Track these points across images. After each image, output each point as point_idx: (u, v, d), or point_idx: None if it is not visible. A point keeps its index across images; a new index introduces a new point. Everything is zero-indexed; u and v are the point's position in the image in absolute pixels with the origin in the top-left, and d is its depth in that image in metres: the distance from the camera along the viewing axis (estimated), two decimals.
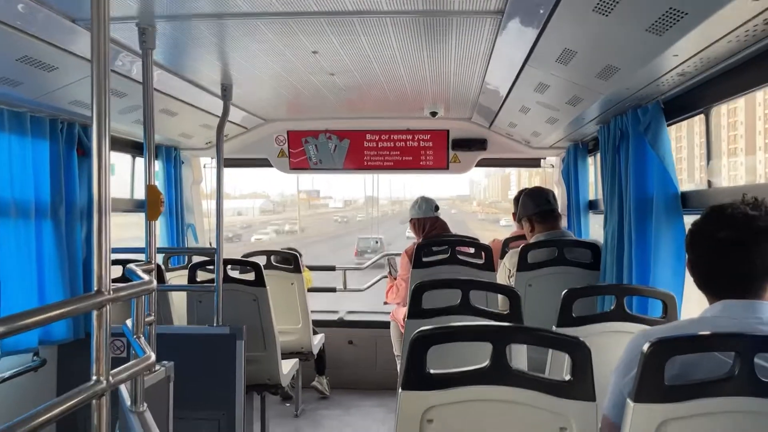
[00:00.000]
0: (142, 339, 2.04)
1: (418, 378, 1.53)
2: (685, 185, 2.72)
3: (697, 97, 2.48)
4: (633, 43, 2.04)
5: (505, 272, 3.53)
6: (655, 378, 1.45)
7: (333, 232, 58.96)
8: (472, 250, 3.80)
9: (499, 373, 1.51)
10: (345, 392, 5.27)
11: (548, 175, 5.25)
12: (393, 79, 3.51)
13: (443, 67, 3.21)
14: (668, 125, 2.72)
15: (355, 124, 4.94)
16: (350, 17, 2.38)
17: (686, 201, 2.64)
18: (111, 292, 1.42)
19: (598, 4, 1.85)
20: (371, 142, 4.99)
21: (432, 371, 1.53)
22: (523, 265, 3.32)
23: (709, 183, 2.66)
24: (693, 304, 2.35)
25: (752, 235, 1.53)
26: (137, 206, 4.23)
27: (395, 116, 4.81)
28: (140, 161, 4.47)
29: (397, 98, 4.08)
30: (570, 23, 2.11)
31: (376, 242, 32.43)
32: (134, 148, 4.25)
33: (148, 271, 2.22)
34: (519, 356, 2.43)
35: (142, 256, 2.57)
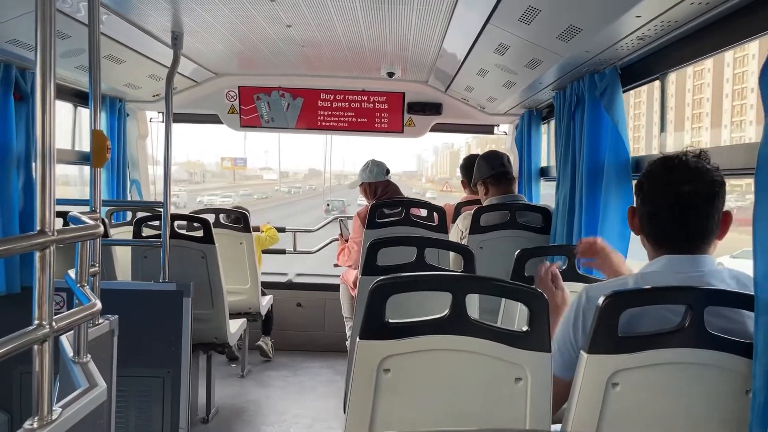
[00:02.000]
0: (87, 288, 1.95)
1: (376, 327, 1.51)
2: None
3: (653, 62, 2.52)
4: (598, 1, 2.03)
5: (457, 234, 3.55)
6: (609, 330, 1.48)
7: None
8: (424, 213, 3.80)
9: (457, 322, 1.51)
10: (293, 354, 5.26)
11: (501, 145, 5.28)
12: (352, 35, 3.42)
13: (404, 24, 3.15)
14: (624, 91, 2.75)
15: (309, 82, 4.82)
16: None
17: (637, 166, 2.69)
18: (55, 234, 1.34)
19: None
20: (326, 101, 4.89)
21: (390, 320, 1.51)
22: (475, 228, 3.35)
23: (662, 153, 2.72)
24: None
25: (714, 190, 1.54)
26: (80, 158, 4.03)
27: (351, 76, 4.72)
28: (81, 112, 4.26)
29: (354, 56, 3.99)
30: None
31: (327, 205, 36.26)
32: (76, 97, 4.04)
33: (93, 219, 2.12)
34: (471, 314, 2.46)
35: (85, 210, 2.45)
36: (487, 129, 5.21)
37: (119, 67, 3.76)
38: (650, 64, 2.54)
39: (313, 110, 4.89)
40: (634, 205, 1.70)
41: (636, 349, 1.48)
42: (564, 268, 2.38)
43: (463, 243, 3.42)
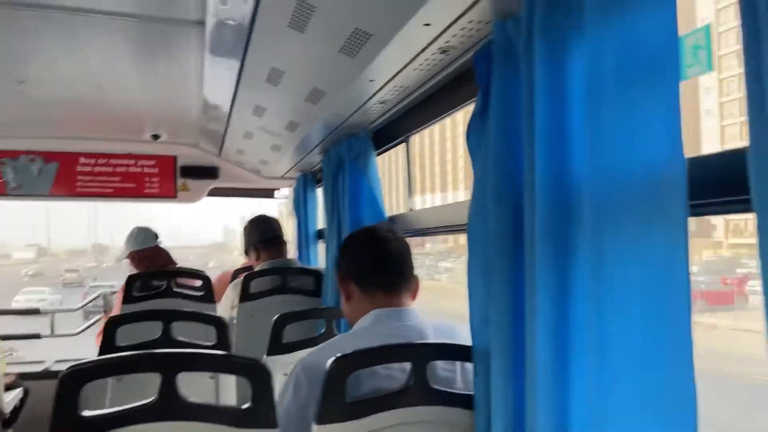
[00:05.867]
0: None
1: (67, 423, 1.27)
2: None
3: (398, 126, 2.63)
4: (331, 64, 2.06)
5: (229, 303, 3.36)
6: (338, 396, 1.40)
7: None
8: (199, 283, 3.55)
9: (168, 406, 1.33)
10: None
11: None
12: (97, 94, 3.15)
13: (155, 83, 2.97)
14: (377, 154, 2.85)
15: (65, 146, 4.37)
16: (22, 10, 2.05)
17: (393, 224, 2.75)
18: None
19: (292, 19, 1.82)
20: (86, 166, 4.46)
21: (86, 413, 1.29)
22: (246, 295, 3.18)
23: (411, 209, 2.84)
24: None
25: (407, 246, 1.80)
26: None
27: (114, 138, 4.38)
28: None
29: (109, 118, 3.70)
30: (271, 39, 2.07)
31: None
32: None
33: None
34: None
35: None
36: (268, 193, 5.14)
37: None
38: (395, 127, 2.65)
39: (72, 176, 4.43)
40: (341, 273, 1.81)
41: (365, 414, 1.41)
42: (323, 331, 2.32)
43: (233, 312, 3.24)
